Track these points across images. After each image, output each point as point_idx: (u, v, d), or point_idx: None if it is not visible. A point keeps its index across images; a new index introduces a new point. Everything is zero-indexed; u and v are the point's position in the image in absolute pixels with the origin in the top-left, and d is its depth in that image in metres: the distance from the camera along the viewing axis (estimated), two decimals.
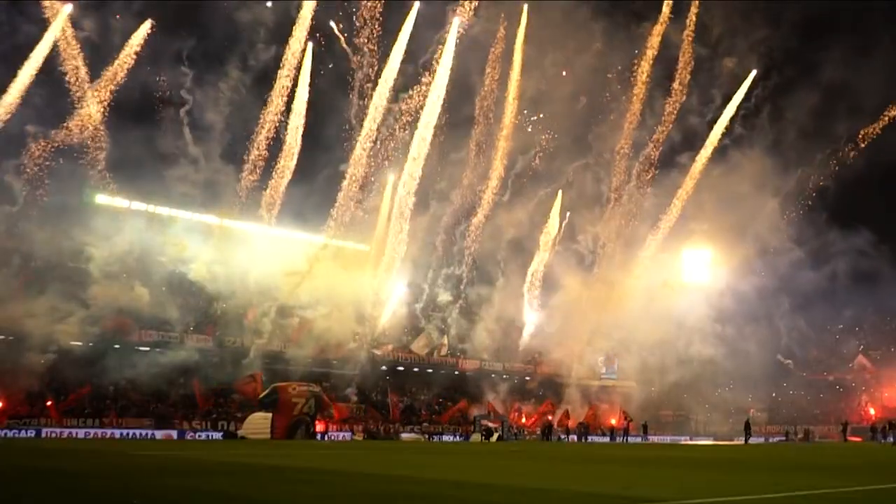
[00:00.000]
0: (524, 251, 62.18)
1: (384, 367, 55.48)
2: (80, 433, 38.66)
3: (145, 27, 45.85)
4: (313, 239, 54.06)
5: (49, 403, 40.17)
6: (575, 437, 50.46)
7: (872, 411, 61.60)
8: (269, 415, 37.65)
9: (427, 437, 48.23)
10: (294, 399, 37.94)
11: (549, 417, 53.54)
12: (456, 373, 59.46)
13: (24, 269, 43.97)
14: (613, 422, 55.78)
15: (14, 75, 42.89)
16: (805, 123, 60.51)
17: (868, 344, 68.60)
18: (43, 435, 37.27)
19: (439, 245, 57.66)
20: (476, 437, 46.02)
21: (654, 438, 53.27)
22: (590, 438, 50.37)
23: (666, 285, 60.91)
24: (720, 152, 60.90)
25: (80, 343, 42.89)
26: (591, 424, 52.86)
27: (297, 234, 55.00)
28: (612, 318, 58.74)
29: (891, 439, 46.58)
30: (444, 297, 59.26)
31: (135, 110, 48.61)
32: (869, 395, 63.78)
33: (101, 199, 49.06)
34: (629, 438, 50.46)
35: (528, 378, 61.25)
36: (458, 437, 49.11)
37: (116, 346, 44.62)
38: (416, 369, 58.09)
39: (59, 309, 41.12)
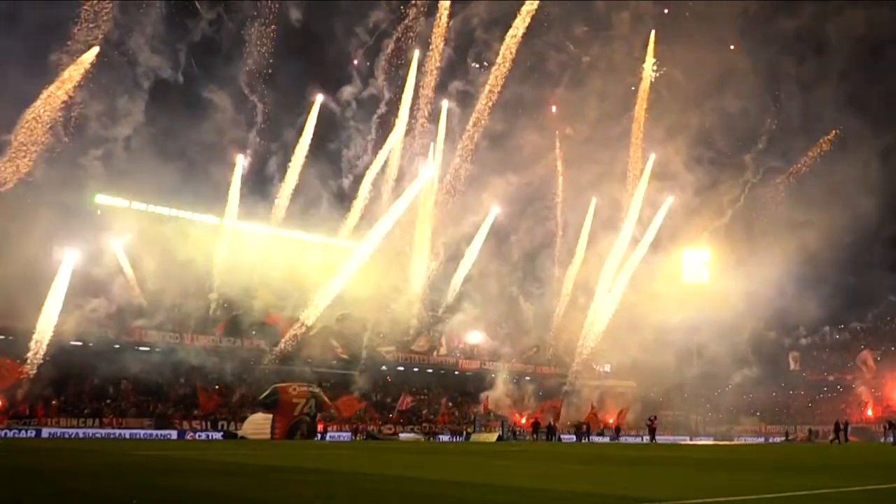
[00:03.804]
0: (526, 251, 62.46)
1: (384, 367, 55.50)
2: (80, 433, 38.66)
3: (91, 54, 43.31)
4: (313, 239, 54.07)
5: (53, 403, 40.25)
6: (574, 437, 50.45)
7: (870, 412, 61.47)
8: (270, 415, 37.62)
9: (427, 437, 48.21)
10: (295, 399, 37.87)
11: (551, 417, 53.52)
12: (456, 373, 59.49)
13: (25, 269, 43.90)
14: (611, 421, 55.78)
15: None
16: None
17: (868, 344, 68.59)
18: (43, 435, 37.27)
19: (442, 244, 57.96)
20: (483, 437, 45.87)
21: (646, 438, 53.11)
22: (591, 438, 50.32)
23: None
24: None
25: (80, 343, 42.94)
26: (593, 424, 52.76)
27: (298, 233, 55.07)
28: (613, 317, 58.84)
29: (891, 439, 46.46)
30: (447, 297, 59.35)
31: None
32: (870, 395, 63.63)
33: (102, 198, 49.04)
34: (628, 438, 50.46)
35: (528, 378, 61.26)
36: (458, 438, 49.06)
37: (117, 345, 44.66)
38: (416, 369, 58.12)
39: (61, 308, 41.14)
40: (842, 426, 45.88)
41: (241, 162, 52.08)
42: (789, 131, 64.19)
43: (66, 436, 37.52)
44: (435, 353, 58.20)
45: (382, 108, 55.96)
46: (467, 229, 59.39)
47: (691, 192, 62.76)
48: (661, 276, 62.69)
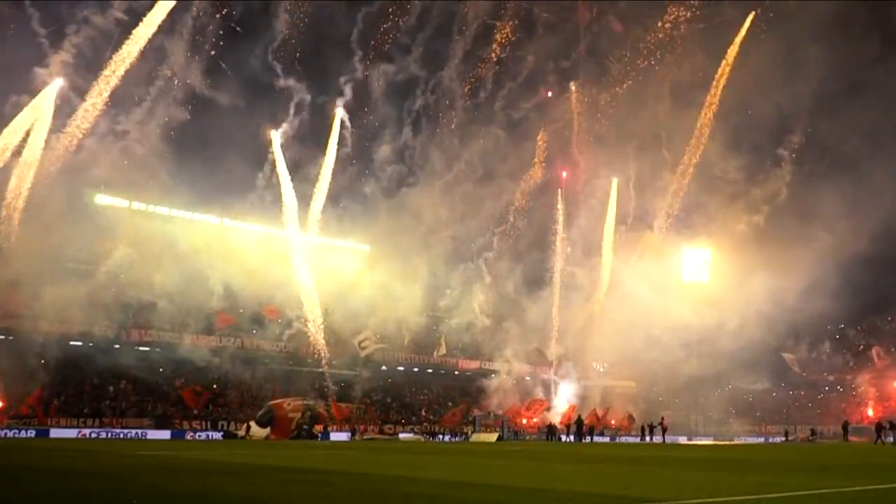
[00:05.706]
0: (528, 251, 62.50)
1: (384, 368, 55.49)
2: (80, 433, 38.65)
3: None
4: (312, 239, 53.97)
5: (53, 403, 40.28)
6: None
7: (871, 412, 61.41)
8: (266, 430, 37.73)
9: (427, 437, 48.19)
10: (290, 414, 38.06)
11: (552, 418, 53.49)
12: (456, 373, 59.46)
13: (26, 269, 43.88)
14: (613, 422, 55.80)
15: None
16: None
17: (868, 343, 68.60)
18: (43, 435, 37.22)
19: (444, 246, 57.99)
20: (483, 437, 45.81)
21: (656, 438, 53.13)
22: (593, 438, 50.24)
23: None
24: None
25: (80, 343, 42.92)
26: (596, 425, 52.71)
27: (297, 234, 54.91)
28: (612, 317, 58.80)
29: (891, 439, 46.42)
30: (447, 298, 59.33)
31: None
32: (871, 395, 63.58)
33: (101, 199, 48.99)
34: (627, 438, 50.45)
35: (527, 378, 61.22)
36: (457, 438, 49.07)
37: (117, 345, 44.66)
38: (416, 369, 58.09)
39: (60, 309, 41.12)
40: (885, 426, 45.71)
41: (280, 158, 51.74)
42: (826, 131, 62.36)
43: (66, 436, 37.51)
44: (435, 352, 58.16)
45: (411, 99, 55.52)
46: (471, 226, 59.46)
47: (722, 191, 62.48)
48: (668, 274, 62.66)
